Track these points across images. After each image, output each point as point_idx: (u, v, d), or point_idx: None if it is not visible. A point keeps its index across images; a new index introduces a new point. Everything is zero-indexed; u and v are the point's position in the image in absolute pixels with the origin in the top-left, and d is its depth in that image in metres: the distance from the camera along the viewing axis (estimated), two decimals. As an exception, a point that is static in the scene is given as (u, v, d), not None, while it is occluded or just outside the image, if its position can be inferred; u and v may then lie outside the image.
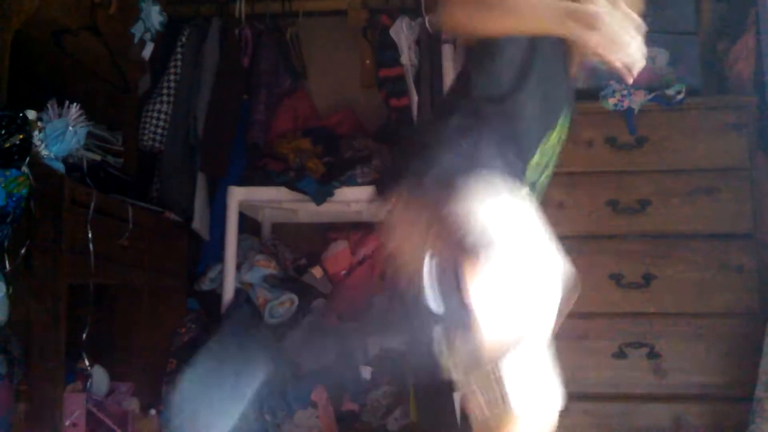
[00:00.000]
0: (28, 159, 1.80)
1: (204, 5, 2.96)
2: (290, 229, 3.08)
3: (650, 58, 2.46)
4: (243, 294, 2.64)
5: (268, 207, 2.94)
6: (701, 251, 2.27)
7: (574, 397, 2.22)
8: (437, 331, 1.23)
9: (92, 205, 2.00)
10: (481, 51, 1.27)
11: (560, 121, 1.34)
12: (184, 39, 2.85)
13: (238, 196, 2.67)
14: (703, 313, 2.26)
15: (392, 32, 2.73)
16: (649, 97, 2.33)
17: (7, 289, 1.78)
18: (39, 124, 2.05)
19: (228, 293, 2.62)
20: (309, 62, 3.14)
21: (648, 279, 2.28)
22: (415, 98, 2.67)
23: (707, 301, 2.26)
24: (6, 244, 1.76)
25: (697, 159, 2.32)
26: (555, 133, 1.33)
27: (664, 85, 2.35)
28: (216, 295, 2.68)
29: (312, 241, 3.01)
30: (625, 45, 1.08)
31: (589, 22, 1.06)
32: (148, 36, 2.73)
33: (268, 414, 2.55)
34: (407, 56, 2.72)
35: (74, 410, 2.01)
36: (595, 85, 2.39)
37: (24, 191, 1.75)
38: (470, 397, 1.10)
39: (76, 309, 1.96)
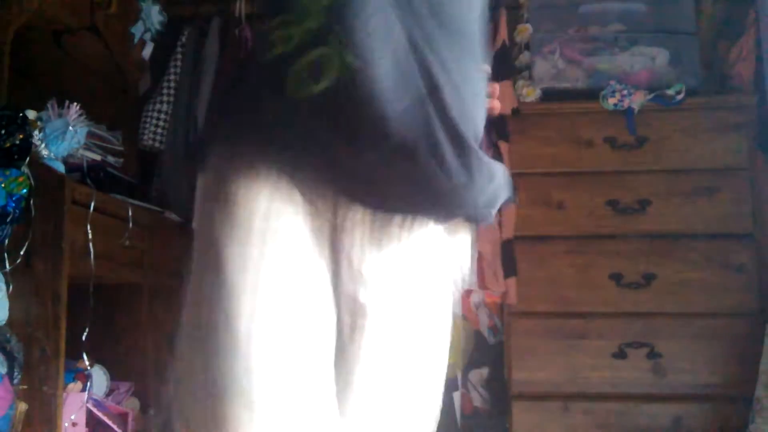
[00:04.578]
0: (28, 159, 1.80)
1: (204, 5, 2.95)
2: (290, 229, 3.07)
3: (650, 58, 2.49)
4: (243, 294, 2.63)
5: (268, 207, 2.93)
6: (701, 251, 2.27)
7: (574, 397, 2.26)
8: None
9: (92, 205, 2.00)
10: None
11: None
12: (184, 39, 2.85)
13: (238, 196, 2.67)
14: (703, 313, 2.26)
15: (392, 32, 2.73)
16: (649, 97, 2.33)
17: (7, 289, 1.78)
18: (39, 124, 2.04)
19: (228, 293, 2.61)
20: (309, 62, 3.13)
21: (648, 279, 2.28)
22: (415, 98, 2.66)
23: (707, 301, 2.26)
24: (6, 244, 1.76)
25: (697, 159, 2.32)
26: None
27: (664, 85, 2.35)
28: (216, 295, 2.67)
29: (312, 241, 3.00)
30: None
31: None
32: (148, 36, 2.72)
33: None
34: (407, 56, 2.71)
35: (74, 410, 2.01)
36: (596, 85, 2.39)
37: (24, 191, 1.75)
38: None
39: (76, 309, 1.95)
